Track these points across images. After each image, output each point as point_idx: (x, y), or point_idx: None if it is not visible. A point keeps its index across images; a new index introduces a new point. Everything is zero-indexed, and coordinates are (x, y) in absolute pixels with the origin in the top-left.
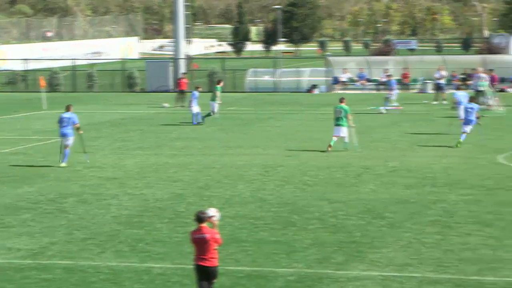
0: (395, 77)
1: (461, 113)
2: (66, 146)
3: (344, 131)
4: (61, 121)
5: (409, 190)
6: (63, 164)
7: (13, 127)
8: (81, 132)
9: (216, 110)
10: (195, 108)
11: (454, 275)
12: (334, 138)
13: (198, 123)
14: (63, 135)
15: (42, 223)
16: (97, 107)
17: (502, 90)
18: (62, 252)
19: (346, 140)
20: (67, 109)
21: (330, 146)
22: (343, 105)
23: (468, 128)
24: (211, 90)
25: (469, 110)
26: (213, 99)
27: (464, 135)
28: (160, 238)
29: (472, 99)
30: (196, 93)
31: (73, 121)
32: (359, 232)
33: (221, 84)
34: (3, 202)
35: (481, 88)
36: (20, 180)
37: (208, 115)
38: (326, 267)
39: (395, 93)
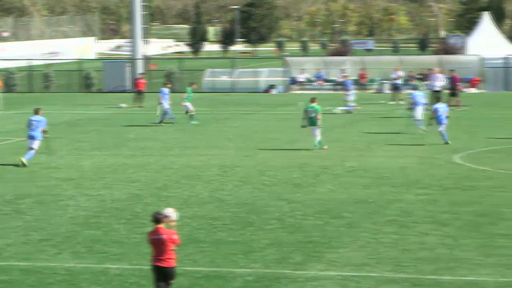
0: (352, 77)
1: (418, 114)
2: (31, 148)
3: (316, 131)
4: (29, 124)
5: (366, 190)
6: (24, 160)
7: None
8: (48, 136)
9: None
10: (166, 104)
11: (411, 275)
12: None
13: (160, 122)
14: (31, 138)
15: None
16: (54, 107)
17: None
18: (19, 253)
19: (318, 139)
20: (36, 112)
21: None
22: (314, 104)
23: (443, 127)
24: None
25: (440, 109)
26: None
27: (444, 134)
28: (117, 239)
29: (438, 99)
30: (165, 89)
31: (41, 125)
32: (317, 232)
33: (193, 86)
34: None
35: (437, 88)
36: None
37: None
38: (284, 267)
39: (352, 93)
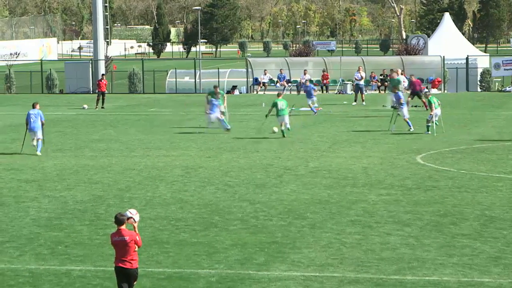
0: (314, 78)
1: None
2: (38, 139)
3: (287, 119)
4: (29, 117)
5: (329, 190)
6: (38, 153)
7: None
8: (43, 127)
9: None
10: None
11: (374, 275)
12: (282, 126)
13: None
14: (33, 130)
15: None
16: (15, 108)
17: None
18: None
19: (288, 126)
20: (34, 106)
21: (274, 131)
22: (281, 98)
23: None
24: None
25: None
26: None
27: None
28: (80, 240)
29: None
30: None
31: (40, 117)
32: (280, 232)
33: None
34: None
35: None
36: None
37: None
38: (247, 268)
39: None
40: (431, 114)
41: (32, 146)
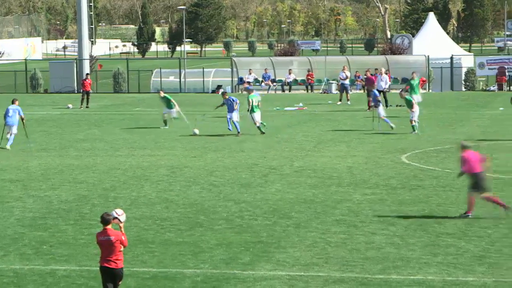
0: (300, 77)
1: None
2: (12, 133)
3: (259, 115)
4: (7, 112)
5: (314, 190)
6: (8, 147)
7: None
8: (25, 121)
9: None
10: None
11: (359, 274)
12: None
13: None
14: (9, 124)
15: None
16: None
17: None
18: None
19: (259, 124)
20: (13, 102)
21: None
22: (253, 94)
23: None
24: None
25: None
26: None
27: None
28: (65, 240)
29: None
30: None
31: (18, 112)
32: (265, 232)
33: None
34: None
35: (382, 88)
36: None
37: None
38: (233, 268)
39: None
40: (412, 112)
41: (6, 139)
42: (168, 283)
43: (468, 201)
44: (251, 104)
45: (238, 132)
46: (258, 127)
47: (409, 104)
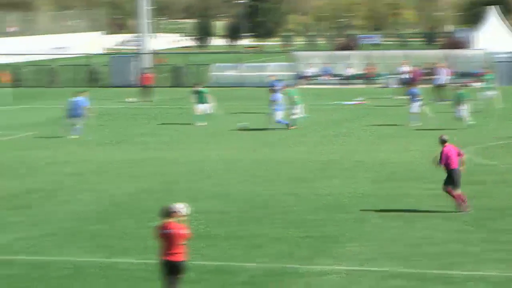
0: (359, 71)
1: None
2: (75, 125)
3: (298, 110)
4: (70, 104)
5: (373, 184)
6: (73, 137)
7: None
8: (91, 114)
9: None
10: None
11: (418, 269)
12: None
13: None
14: (73, 116)
15: (5, 219)
16: (60, 102)
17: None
18: (27, 247)
19: (295, 117)
20: (77, 95)
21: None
22: (293, 89)
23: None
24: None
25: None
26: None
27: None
28: (125, 233)
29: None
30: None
31: (83, 104)
32: (324, 226)
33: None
34: None
35: (441, 82)
36: None
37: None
38: (291, 262)
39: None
40: (459, 109)
41: (70, 130)
42: (227, 276)
43: (454, 197)
44: (292, 99)
45: (288, 125)
46: (291, 120)
47: (460, 99)
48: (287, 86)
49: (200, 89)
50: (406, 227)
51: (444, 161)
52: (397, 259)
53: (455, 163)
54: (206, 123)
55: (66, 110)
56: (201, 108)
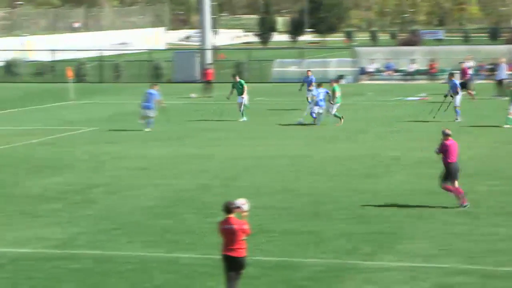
0: (422, 67)
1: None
2: (148, 116)
3: (337, 107)
4: (145, 96)
5: (437, 180)
6: (147, 129)
7: (42, 118)
8: (164, 105)
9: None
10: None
11: (482, 266)
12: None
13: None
14: (147, 108)
15: (70, 213)
16: (124, 97)
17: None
18: (91, 242)
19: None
20: (151, 87)
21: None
22: (337, 85)
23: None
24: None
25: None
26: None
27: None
28: (188, 228)
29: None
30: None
31: (155, 96)
32: (387, 222)
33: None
34: (32, 193)
35: (502, 78)
36: (48, 170)
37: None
38: (353, 258)
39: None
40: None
41: (142, 123)
42: (289, 272)
43: (453, 192)
44: (336, 95)
45: (315, 119)
46: (330, 116)
47: None
48: (334, 81)
49: (239, 80)
50: (471, 224)
51: (441, 151)
52: (461, 256)
53: (453, 157)
54: (245, 119)
55: (141, 102)
56: (239, 101)
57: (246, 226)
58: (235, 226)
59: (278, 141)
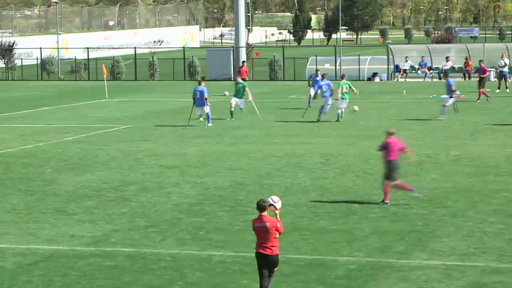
0: (457, 65)
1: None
2: (202, 114)
3: (345, 103)
4: (195, 93)
5: (471, 179)
6: (209, 125)
7: (76, 115)
8: (208, 104)
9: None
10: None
11: None
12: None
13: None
14: (198, 105)
15: (104, 211)
16: (158, 95)
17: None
18: (125, 239)
19: (341, 111)
20: (199, 83)
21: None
22: (344, 81)
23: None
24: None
25: None
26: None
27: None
28: (220, 226)
29: None
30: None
31: (203, 93)
32: (420, 221)
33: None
34: (66, 190)
35: None
36: (82, 168)
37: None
38: (387, 256)
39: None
40: None
41: (199, 121)
42: (322, 270)
43: (384, 189)
44: (339, 91)
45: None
46: (338, 114)
47: None
48: (342, 78)
49: (239, 81)
50: (506, 222)
51: (382, 148)
52: (496, 254)
53: (394, 155)
54: (233, 119)
55: (193, 100)
56: (233, 102)
57: (278, 224)
58: (268, 224)
59: (312, 139)
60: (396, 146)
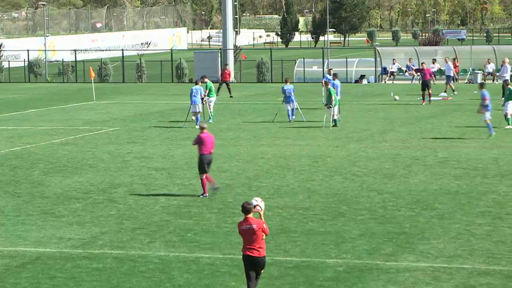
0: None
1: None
2: (196, 112)
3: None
4: (191, 92)
5: (458, 181)
6: (197, 127)
7: (63, 118)
8: (204, 100)
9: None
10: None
11: (505, 267)
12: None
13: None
14: (194, 103)
15: (92, 213)
16: (146, 97)
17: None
18: (112, 241)
19: (336, 117)
20: (196, 83)
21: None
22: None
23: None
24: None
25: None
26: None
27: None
28: (208, 228)
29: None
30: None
31: (200, 92)
32: (408, 223)
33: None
34: (54, 192)
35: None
36: (70, 170)
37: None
38: (375, 258)
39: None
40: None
41: (193, 119)
42: (310, 272)
43: (201, 182)
44: (332, 98)
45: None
46: (334, 120)
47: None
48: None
49: (207, 82)
50: (494, 224)
51: (197, 142)
52: (484, 256)
53: (207, 149)
54: (211, 121)
55: (191, 98)
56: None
57: (264, 226)
58: (255, 226)
59: (300, 141)
60: (209, 140)
